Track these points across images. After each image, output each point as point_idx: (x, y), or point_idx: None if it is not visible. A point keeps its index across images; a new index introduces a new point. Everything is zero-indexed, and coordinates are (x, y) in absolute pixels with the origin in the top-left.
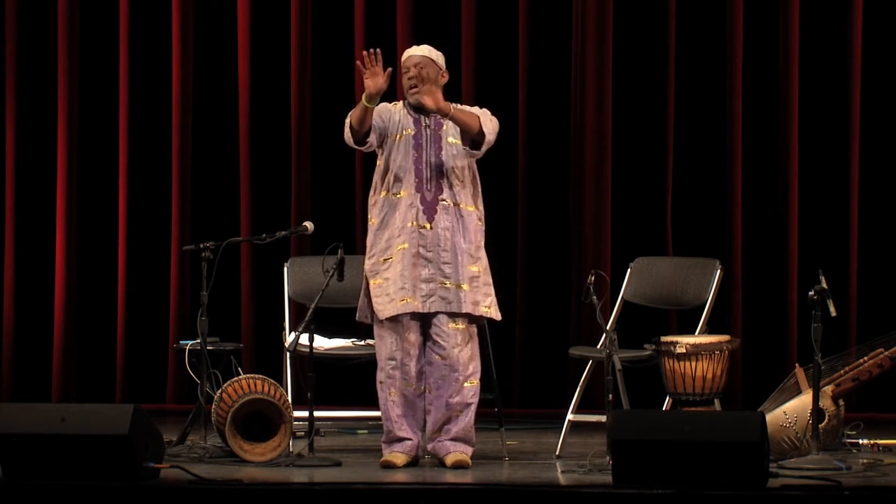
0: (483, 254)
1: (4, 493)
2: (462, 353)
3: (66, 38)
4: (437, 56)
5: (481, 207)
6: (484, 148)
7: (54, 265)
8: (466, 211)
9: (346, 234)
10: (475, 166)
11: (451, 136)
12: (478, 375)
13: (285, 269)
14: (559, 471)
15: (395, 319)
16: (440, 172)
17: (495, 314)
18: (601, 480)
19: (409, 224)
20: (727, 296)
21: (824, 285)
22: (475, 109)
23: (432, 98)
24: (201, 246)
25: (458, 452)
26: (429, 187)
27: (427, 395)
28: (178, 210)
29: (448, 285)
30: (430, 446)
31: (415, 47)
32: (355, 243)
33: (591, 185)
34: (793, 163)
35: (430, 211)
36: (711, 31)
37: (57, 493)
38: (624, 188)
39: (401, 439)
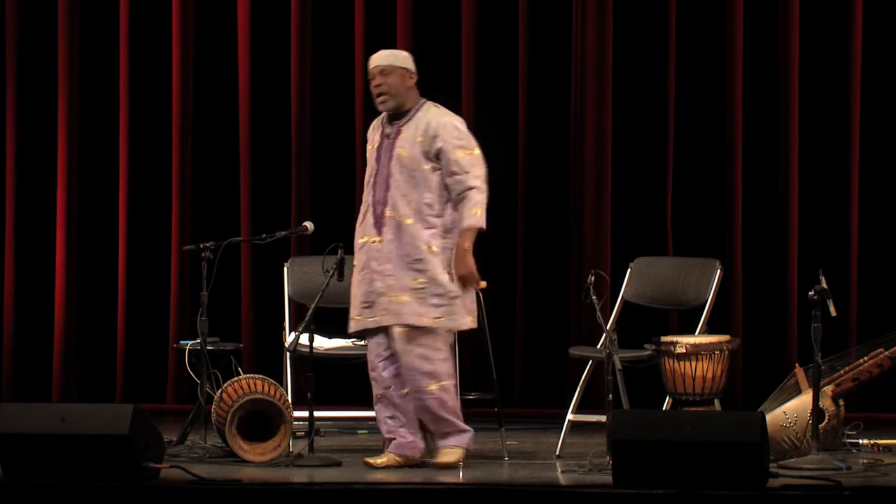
0: (429, 266)
1: (4, 493)
2: (411, 355)
3: (67, 38)
4: (403, 59)
5: (436, 220)
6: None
7: (54, 265)
8: (405, 224)
9: (346, 234)
10: (435, 180)
11: (404, 147)
12: (440, 374)
13: (285, 269)
14: (559, 471)
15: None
16: (386, 185)
17: (450, 325)
18: (601, 480)
19: (365, 239)
20: (727, 296)
21: (824, 285)
22: (462, 177)
23: (466, 269)
24: (201, 246)
25: (446, 450)
26: (379, 199)
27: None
28: (178, 210)
29: (392, 298)
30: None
31: (379, 53)
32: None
33: (591, 185)
34: (793, 163)
35: (378, 224)
36: (711, 31)
37: (57, 493)
38: (624, 188)
39: (388, 440)
